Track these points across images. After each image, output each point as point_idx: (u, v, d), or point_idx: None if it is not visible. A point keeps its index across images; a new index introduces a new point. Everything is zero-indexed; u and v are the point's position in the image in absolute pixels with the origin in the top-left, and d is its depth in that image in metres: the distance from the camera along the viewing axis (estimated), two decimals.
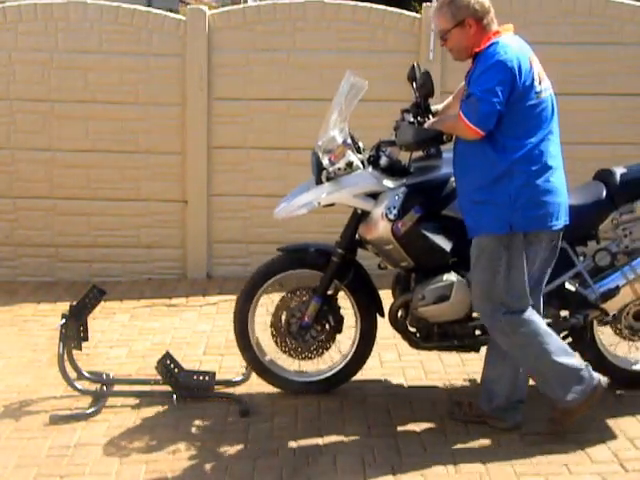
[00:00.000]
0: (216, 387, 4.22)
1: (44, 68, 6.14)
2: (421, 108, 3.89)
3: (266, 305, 4.19)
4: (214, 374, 4.15)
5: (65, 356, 4.08)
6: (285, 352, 4.17)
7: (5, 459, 3.59)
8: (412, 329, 4.03)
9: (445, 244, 3.85)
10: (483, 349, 4.00)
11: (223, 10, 6.45)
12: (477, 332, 4.01)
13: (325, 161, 3.91)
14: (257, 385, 4.32)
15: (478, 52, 3.57)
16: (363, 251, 4.10)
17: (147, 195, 6.23)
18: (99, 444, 3.72)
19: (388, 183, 3.89)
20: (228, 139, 6.21)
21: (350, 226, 4.01)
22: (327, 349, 4.17)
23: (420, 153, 3.98)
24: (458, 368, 4.45)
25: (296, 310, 4.10)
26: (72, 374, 4.15)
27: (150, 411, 4.04)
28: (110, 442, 3.73)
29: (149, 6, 11.72)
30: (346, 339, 4.19)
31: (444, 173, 3.89)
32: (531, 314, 3.66)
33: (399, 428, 3.84)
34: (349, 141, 3.93)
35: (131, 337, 5.08)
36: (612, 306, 3.96)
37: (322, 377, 4.20)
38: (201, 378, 4.12)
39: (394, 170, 3.93)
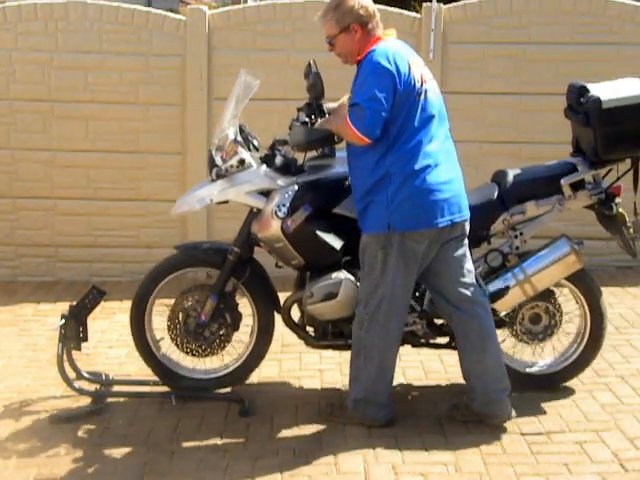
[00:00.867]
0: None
1: (44, 68, 6.13)
2: (313, 108, 3.91)
3: (163, 304, 4.20)
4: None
5: (64, 356, 4.08)
6: (183, 350, 4.15)
7: (5, 459, 3.59)
8: (309, 328, 4.07)
9: (335, 242, 3.88)
10: None
11: (223, 10, 6.45)
12: None
13: (217, 159, 3.95)
14: (257, 385, 4.33)
15: (360, 59, 3.66)
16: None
17: (147, 195, 6.23)
18: (99, 444, 3.72)
19: (280, 181, 3.92)
20: None
21: (246, 224, 4.03)
22: (224, 347, 4.17)
23: (315, 152, 4.00)
24: (458, 368, 4.42)
25: (191, 309, 4.10)
26: (72, 374, 4.14)
27: (150, 411, 4.04)
28: (110, 442, 3.73)
29: (149, 6, 11.76)
30: (245, 336, 4.20)
31: (336, 172, 3.92)
32: (388, 322, 3.75)
33: (399, 428, 3.84)
34: (239, 138, 3.97)
35: (131, 337, 5.06)
36: (502, 306, 3.99)
37: (220, 374, 4.20)
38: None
39: (289, 169, 3.96)
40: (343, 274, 3.88)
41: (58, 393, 4.20)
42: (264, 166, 3.96)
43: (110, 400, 4.12)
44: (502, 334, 4.15)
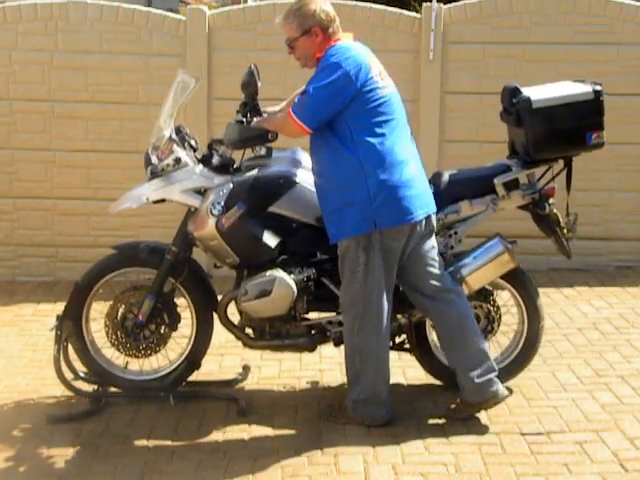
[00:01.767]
0: (215, 387, 4.24)
1: (44, 68, 6.13)
2: (249, 107, 3.91)
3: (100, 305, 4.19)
4: None
5: (61, 357, 4.07)
6: (121, 351, 4.14)
7: (5, 459, 3.59)
8: (248, 330, 4.08)
9: (270, 240, 3.89)
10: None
11: (223, 10, 6.45)
12: (313, 331, 4.08)
13: (154, 158, 3.96)
14: (257, 385, 4.33)
15: (319, 57, 3.70)
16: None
17: None
18: (98, 444, 3.72)
19: (216, 180, 3.93)
20: None
21: (183, 224, 4.04)
22: (162, 347, 4.16)
23: (252, 153, 4.00)
24: None
25: (127, 310, 4.10)
26: (71, 375, 4.14)
27: (149, 411, 4.03)
28: (109, 442, 3.74)
29: (149, 6, 11.77)
30: (183, 337, 4.20)
31: (272, 171, 3.94)
32: (379, 322, 3.77)
33: (399, 428, 3.84)
34: (174, 136, 3.97)
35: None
36: None
37: (160, 375, 4.19)
38: None
39: (226, 168, 3.97)
40: (277, 272, 3.88)
41: (58, 393, 4.20)
42: (200, 165, 3.97)
43: (110, 400, 4.12)
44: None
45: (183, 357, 4.17)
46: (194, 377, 4.23)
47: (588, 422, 3.88)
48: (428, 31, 6.18)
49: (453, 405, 3.98)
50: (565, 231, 3.98)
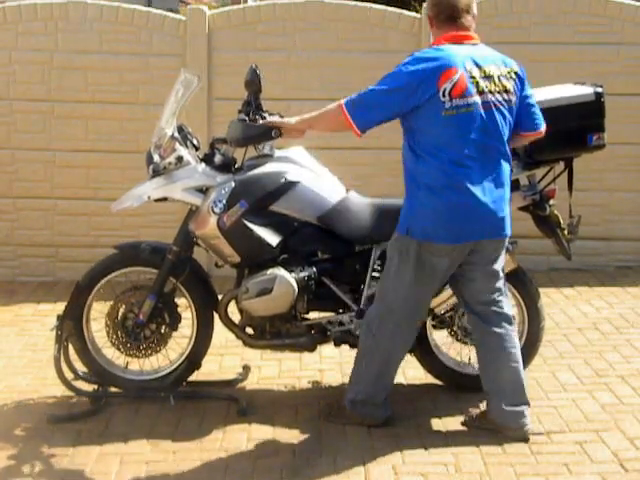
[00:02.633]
0: (215, 387, 4.24)
1: (44, 68, 6.14)
2: (252, 106, 3.91)
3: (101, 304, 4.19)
4: None
5: (62, 357, 4.07)
6: (121, 351, 4.15)
7: (5, 459, 3.59)
8: (249, 329, 4.08)
9: (271, 239, 3.89)
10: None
11: (223, 10, 6.45)
12: (313, 331, 4.07)
13: (156, 156, 3.95)
14: (257, 385, 4.33)
15: None
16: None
17: None
18: (99, 444, 3.72)
19: (218, 178, 3.93)
20: None
21: (185, 223, 4.04)
22: (163, 347, 4.17)
23: (255, 152, 4.01)
24: None
25: (128, 310, 4.10)
26: (71, 375, 4.14)
27: (150, 411, 4.03)
28: (110, 442, 3.73)
29: (149, 6, 11.78)
30: (183, 337, 4.20)
31: (274, 170, 3.93)
32: (397, 329, 3.72)
33: (399, 428, 3.84)
34: (176, 134, 3.97)
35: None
36: (437, 304, 4.01)
37: (160, 375, 4.19)
38: None
39: (227, 167, 3.98)
40: (278, 270, 3.88)
41: (58, 393, 4.20)
42: (202, 164, 3.98)
43: (110, 400, 4.12)
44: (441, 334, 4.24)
45: (183, 357, 4.17)
46: (194, 377, 4.23)
47: (588, 422, 3.88)
48: (428, 31, 6.16)
49: (475, 412, 3.91)
50: (566, 232, 3.97)
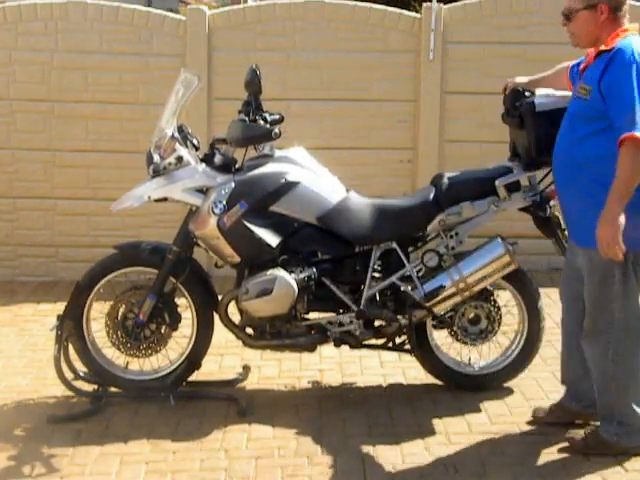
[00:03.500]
0: (215, 387, 4.24)
1: (44, 68, 6.13)
2: (252, 106, 3.92)
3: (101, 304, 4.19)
4: None
5: (62, 357, 4.07)
6: (121, 351, 4.15)
7: (5, 459, 3.59)
8: (249, 329, 4.08)
9: (271, 239, 3.90)
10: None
11: (223, 10, 6.44)
12: (313, 331, 4.07)
13: (156, 157, 3.96)
14: (258, 385, 4.33)
15: (606, 51, 3.32)
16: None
17: None
18: (99, 444, 3.72)
19: (218, 179, 3.93)
20: None
21: (185, 223, 4.04)
22: (163, 347, 4.16)
23: (255, 152, 4.02)
24: None
25: (128, 310, 4.10)
26: (71, 375, 4.14)
27: (150, 411, 4.03)
28: (110, 442, 3.73)
29: (149, 6, 11.76)
30: (183, 337, 4.20)
31: (274, 170, 3.93)
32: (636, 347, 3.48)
33: (399, 428, 3.85)
34: (176, 134, 3.97)
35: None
36: (438, 306, 4.00)
37: (160, 375, 4.19)
38: None
39: (227, 168, 3.98)
40: (278, 271, 3.88)
41: (58, 393, 4.20)
42: (202, 164, 3.98)
43: (110, 400, 4.12)
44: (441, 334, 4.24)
45: (183, 357, 4.17)
46: (194, 377, 4.23)
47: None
48: (428, 31, 6.18)
49: (581, 434, 3.71)
50: (566, 233, 3.97)
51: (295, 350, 4.15)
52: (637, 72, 3.21)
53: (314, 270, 3.96)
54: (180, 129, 4.05)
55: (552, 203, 3.96)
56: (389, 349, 4.21)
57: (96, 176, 6.24)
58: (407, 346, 4.20)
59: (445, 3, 6.36)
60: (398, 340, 4.18)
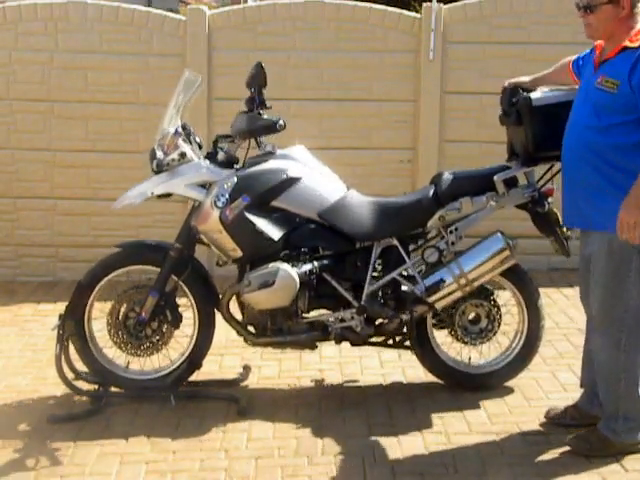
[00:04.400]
0: (215, 387, 4.25)
1: (44, 68, 6.14)
2: (256, 101, 3.95)
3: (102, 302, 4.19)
4: None
5: (62, 357, 4.07)
6: (123, 350, 4.15)
7: (5, 459, 3.59)
8: (250, 327, 4.09)
9: (273, 233, 3.92)
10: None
11: (223, 10, 6.45)
12: (314, 328, 4.08)
13: (159, 153, 3.98)
14: (258, 385, 4.33)
15: (631, 47, 3.32)
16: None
17: None
18: (99, 444, 3.72)
19: (221, 173, 3.95)
20: None
21: (188, 220, 4.05)
22: (164, 346, 4.16)
23: (258, 150, 4.03)
24: None
25: (129, 309, 4.09)
26: (72, 374, 4.14)
27: (150, 411, 4.03)
28: (110, 442, 3.73)
29: (149, 6, 11.76)
30: (184, 337, 4.20)
31: (276, 166, 3.95)
32: None
33: (399, 428, 3.85)
34: (180, 130, 4.00)
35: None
36: (439, 301, 4.01)
37: (161, 374, 4.19)
38: None
39: (230, 165, 4.01)
40: (280, 263, 3.90)
41: (58, 393, 4.20)
42: (206, 160, 4.01)
43: (110, 400, 4.12)
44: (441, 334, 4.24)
45: (184, 357, 4.17)
46: (195, 377, 4.23)
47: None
48: (428, 31, 6.18)
49: (559, 412, 3.84)
50: (564, 230, 3.98)
51: (296, 347, 4.15)
52: None
53: (315, 265, 3.97)
54: (183, 128, 4.07)
55: (550, 200, 3.97)
56: (390, 346, 4.21)
57: (96, 176, 6.24)
58: (407, 343, 4.19)
59: (445, 3, 6.36)
60: (399, 337, 4.18)
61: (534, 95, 3.82)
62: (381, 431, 3.81)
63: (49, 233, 6.31)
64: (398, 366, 4.51)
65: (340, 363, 4.57)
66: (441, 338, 4.26)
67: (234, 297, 4.10)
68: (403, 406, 4.07)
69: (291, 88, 6.21)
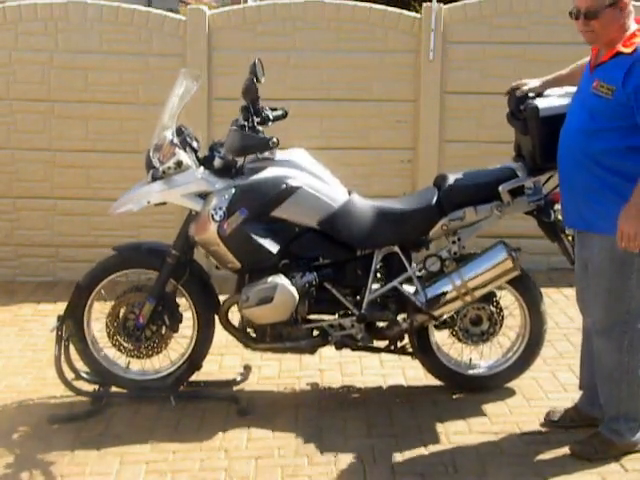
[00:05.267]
0: (215, 387, 4.25)
1: (44, 68, 6.14)
2: (250, 112, 3.91)
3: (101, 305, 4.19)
4: None
5: (62, 357, 4.07)
6: (121, 351, 4.14)
7: (5, 459, 3.59)
8: (249, 330, 4.06)
9: (271, 246, 3.87)
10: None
11: (223, 10, 6.45)
12: (315, 334, 4.06)
13: (155, 160, 3.94)
14: (258, 385, 4.33)
15: (624, 53, 3.34)
16: None
17: None
18: (99, 444, 3.72)
19: (218, 184, 3.90)
20: None
21: (185, 226, 4.02)
22: (163, 348, 4.15)
23: (257, 155, 3.98)
24: None
25: (128, 311, 4.08)
26: (72, 375, 4.14)
27: (150, 411, 4.03)
28: (110, 442, 3.73)
29: (149, 6, 11.75)
30: (184, 337, 4.19)
31: (275, 175, 3.89)
32: None
33: (399, 428, 3.85)
34: (176, 140, 3.95)
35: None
36: (440, 311, 3.98)
37: (161, 375, 4.19)
38: None
39: (227, 171, 3.94)
40: (279, 278, 3.85)
41: (58, 393, 4.20)
42: (202, 168, 3.95)
43: (110, 400, 4.12)
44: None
45: (184, 357, 4.17)
46: (194, 377, 4.22)
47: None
48: (428, 31, 6.18)
49: (558, 414, 3.84)
50: (570, 237, 3.94)
51: (295, 352, 4.14)
52: None
53: (315, 275, 3.93)
54: (180, 130, 4.02)
55: (556, 207, 3.92)
56: (390, 352, 4.19)
57: (96, 176, 6.24)
58: (409, 349, 4.18)
59: (445, 3, 6.36)
60: (399, 343, 4.17)
61: (541, 104, 3.74)
62: (381, 431, 3.81)
63: (49, 233, 6.30)
64: (398, 366, 4.51)
65: (340, 363, 4.57)
66: (442, 340, 4.25)
67: (232, 304, 4.07)
68: (403, 406, 4.07)
69: (291, 88, 6.21)
